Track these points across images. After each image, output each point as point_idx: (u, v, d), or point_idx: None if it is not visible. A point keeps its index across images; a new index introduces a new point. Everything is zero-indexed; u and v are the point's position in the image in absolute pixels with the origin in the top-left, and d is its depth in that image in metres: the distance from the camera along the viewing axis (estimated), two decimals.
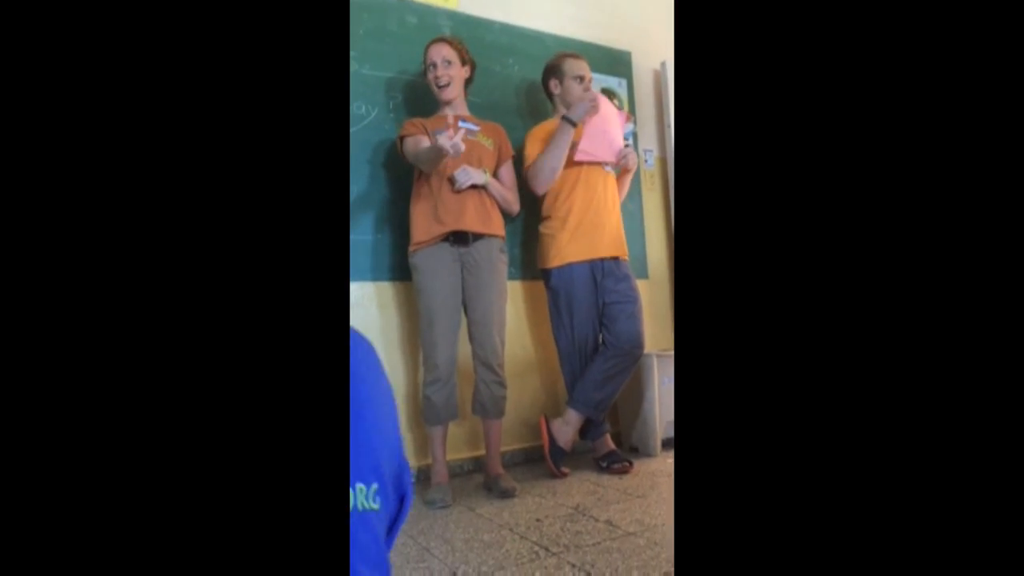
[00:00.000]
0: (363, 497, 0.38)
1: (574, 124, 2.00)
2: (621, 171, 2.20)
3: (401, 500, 0.45)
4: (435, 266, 1.85)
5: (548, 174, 2.03)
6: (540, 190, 2.07)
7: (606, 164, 2.13)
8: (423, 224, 1.87)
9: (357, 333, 0.45)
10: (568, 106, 2.09)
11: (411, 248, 1.89)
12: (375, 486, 0.39)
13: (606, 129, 2.07)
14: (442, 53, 1.93)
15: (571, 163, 2.09)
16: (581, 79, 2.14)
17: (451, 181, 1.86)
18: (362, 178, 2.06)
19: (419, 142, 1.85)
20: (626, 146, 2.16)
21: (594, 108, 1.99)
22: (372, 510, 0.38)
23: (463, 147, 1.73)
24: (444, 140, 1.68)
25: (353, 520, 0.37)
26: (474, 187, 1.89)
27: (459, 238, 1.87)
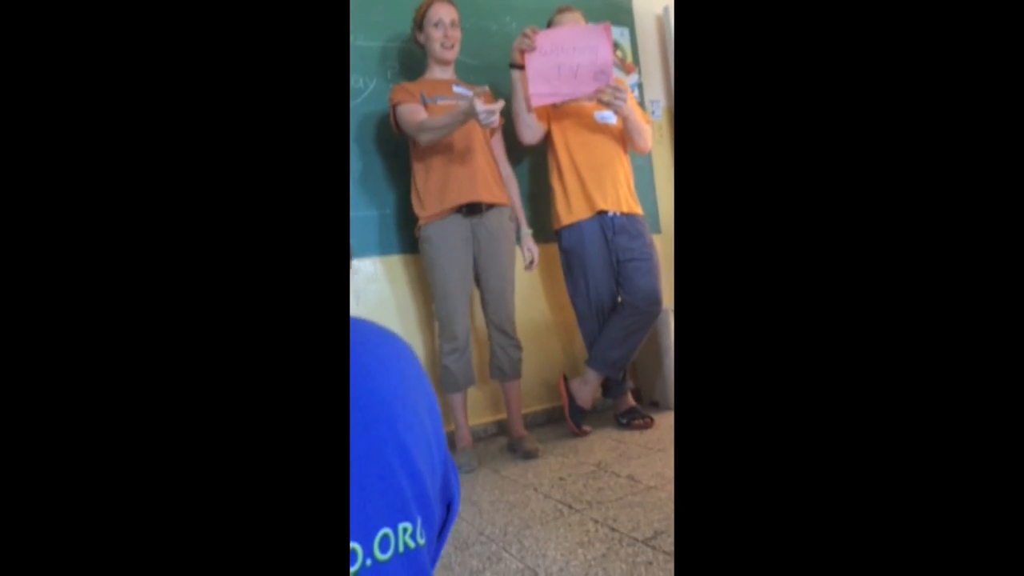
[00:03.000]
0: (407, 536, 0.34)
1: (519, 66, 1.93)
2: (618, 119, 2.03)
3: (448, 506, 0.41)
4: (449, 238, 1.84)
5: (517, 121, 2.00)
6: (522, 139, 2.04)
7: (585, 99, 1.95)
8: (434, 196, 1.85)
9: (400, 342, 0.40)
10: None
11: (421, 221, 1.87)
12: (419, 519, 0.35)
13: (560, 62, 1.88)
14: (451, 14, 1.90)
15: (557, 116, 2.04)
16: None
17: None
18: (364, 153, 2.04)
19: (416, 111, 1.81)
20: (614, 88, 1.88)
21: (525, 43, 1.86)
22: (419, 547, 0.35)
23: (498, 119, 1.67)
24: (480, 105, 1.60)
25: (397, 562, 0.33)
26: (482, 158, 1.87)
27: (472, 209, 1.86)
